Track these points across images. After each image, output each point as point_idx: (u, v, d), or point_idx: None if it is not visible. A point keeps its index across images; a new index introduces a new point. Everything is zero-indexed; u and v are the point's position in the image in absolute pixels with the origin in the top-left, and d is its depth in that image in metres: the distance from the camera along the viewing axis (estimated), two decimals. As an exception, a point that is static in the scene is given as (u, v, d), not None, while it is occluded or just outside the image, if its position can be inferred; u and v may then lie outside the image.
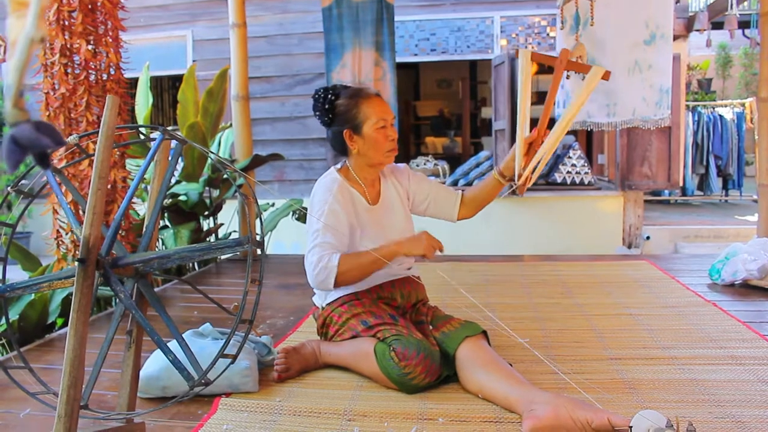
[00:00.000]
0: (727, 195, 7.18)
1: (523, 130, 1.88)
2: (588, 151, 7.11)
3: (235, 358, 1.34)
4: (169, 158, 1.48)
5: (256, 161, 3.90)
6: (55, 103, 2.59)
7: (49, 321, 2.46)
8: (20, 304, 2.35)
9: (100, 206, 1.24)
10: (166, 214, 3.68)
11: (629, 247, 5.45)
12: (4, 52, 2.67)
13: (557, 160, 5.77)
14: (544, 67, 2.07)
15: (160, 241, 3.57)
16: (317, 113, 1.87)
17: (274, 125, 6.09)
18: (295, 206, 4.07)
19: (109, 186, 2.69)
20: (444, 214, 2.02)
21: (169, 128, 1.56)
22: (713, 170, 6.90)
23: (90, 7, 2.60)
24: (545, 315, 2.38)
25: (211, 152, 1.46)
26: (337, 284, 1.72)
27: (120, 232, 2.70)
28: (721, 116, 6.88)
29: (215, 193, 3.95)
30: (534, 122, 1.84)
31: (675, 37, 3.64)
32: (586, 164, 5.61)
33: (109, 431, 1.30)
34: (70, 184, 1.50)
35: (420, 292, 1.95)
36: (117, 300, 1.45)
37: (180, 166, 3.78)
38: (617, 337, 2.08)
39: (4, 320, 1.47)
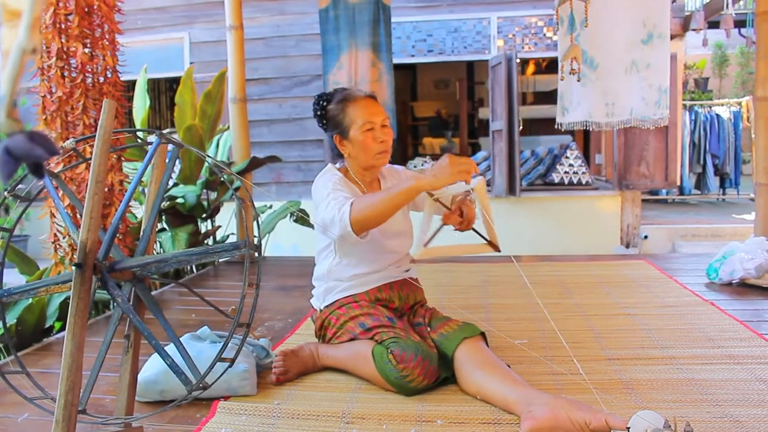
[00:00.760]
0: (724, 194, 7.19)
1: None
2: (585, 151, 7.12)
3: (233, 361, 1.34)
4: (167, 161, 1.48)
5: (254, 163, 3.89)
6: (51, 107, 2.58)
7: (47, 325, 2.46)
8: (18, 308, 2.34)
9: (97, 210, 1.23)
10: (163, 217, 3.68)
11: (627, 246, 5.46)
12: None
13: (555, 160, 5.77)
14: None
15: (157, 244, 3.57)
16: (316, 120, 1.90)
17: (271, 127, 6.09)
18: (293, 208, 4.06)
19: (106, 189, 2.69)
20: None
21: (166, 131, 1.55)
22: (710, 169, 6.91)
23: (86, 10, 2.60)
24: (543, 315, 2.38)
25: (208, 156, 1.46)
26: (355, 221, 1.58)
27: (117, 235, 2.70)
28: (717, 115, 6.89)
29: (213, 195, 3.95)
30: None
31: (671, 37, 3.64)
32: (583, 164, 5.62)
33: (107, 435, 1.30)
34: (67, 188, 1.50)
35: (418, 294, 1.95)
36: (114, 304, 1.45)
37: (177, 168, 3.77)
38: (615, 337, 2.09)
39: (1, 324, 1.47)
